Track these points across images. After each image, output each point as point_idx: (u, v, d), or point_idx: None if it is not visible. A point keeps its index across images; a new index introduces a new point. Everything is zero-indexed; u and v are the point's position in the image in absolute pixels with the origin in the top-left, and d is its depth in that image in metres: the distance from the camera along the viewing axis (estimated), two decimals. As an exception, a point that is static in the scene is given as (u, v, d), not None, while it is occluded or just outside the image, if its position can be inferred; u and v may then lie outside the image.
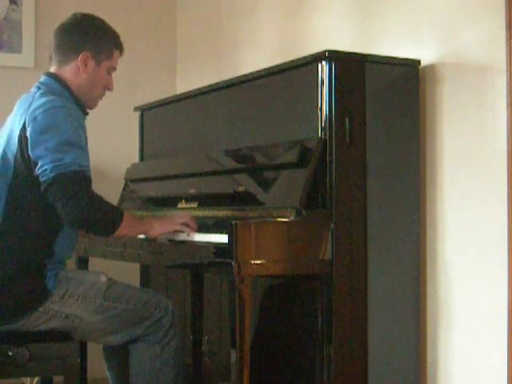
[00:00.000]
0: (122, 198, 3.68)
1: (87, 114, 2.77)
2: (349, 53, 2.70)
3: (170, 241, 2.76)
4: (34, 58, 4.12)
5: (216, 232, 2.61)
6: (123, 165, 3.80)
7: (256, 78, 2.99)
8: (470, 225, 2.67)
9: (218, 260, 2.52)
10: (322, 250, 2.58)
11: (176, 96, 3.66)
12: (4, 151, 2.61)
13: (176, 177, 3.32)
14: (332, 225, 2.59)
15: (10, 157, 2.58)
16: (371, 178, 2.68)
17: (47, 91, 2.64)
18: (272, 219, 2.58)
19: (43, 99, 2.57)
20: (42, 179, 2.49)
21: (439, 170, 2.78)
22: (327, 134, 2.62)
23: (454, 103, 2.73)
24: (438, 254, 2.78)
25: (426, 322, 2.81)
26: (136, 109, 3.87)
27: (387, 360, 2.72)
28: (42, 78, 2.71)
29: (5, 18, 4.10)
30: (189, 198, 3.13)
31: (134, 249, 3.01)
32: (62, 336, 2.61)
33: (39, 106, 2.55)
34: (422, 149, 2.81)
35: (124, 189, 3.71)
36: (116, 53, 2.76)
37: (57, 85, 2.67)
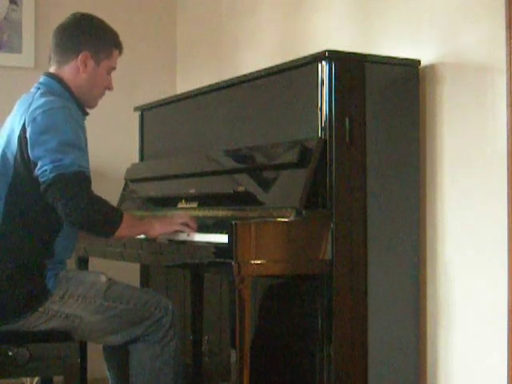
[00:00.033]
0: (122, 198, 3.68)
1: (87, 114, 2.77)
2: (349, 53, 2.70)
3: (169, 241, 2.76)
4: (34, 58, 4.12)
5: (216, 232, 2.61)
6: (123, 165, 3.80)
7: (256, 78, 2.99)
8: (470, 225, 2.67)
9: (218, 260, 2.52)
10: (322, 250, 2.58)
11: (176, 96, 3.66)
12: (4, 151, 2.61)
13: (176, 177, 3.31)
14: (332, 225, 2.59)
15: (10, 157, 2.58)
16: (371, 178, 2.68)
17: (47, 91, 2.63)
18: (272, 219, 2.58)
19: (43, 100, 2.57)
20: (41, 180, 2.49)
21: (439, 170, 2.78)
22: (327, 134, 2.62)
23: (453, 103, 2.73)
24: (438, 254, 2.78)
25: (426, 322, 2.81)
26: (136, 109, 3.87)
27: (387, 360, 2.72)
28: (42, 79, 2.71)
29: (5, 18, 4.10)
30: (189, 198, 3.13)
31: (133, 249, 3.01)
32: (62, 336, 2.61)
33: (39, 107, 2.55)
34: (422, 149, 2.81)
35: (124, 189, 3.71)
36: (115, 52, 2.76)
37: (57, 85, 2.67)
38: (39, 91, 2.64)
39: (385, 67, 2.74)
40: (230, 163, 3.02)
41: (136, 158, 3.89)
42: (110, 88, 2.78)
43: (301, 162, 2.63)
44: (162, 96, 3.76)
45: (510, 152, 2.50)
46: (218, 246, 2.52)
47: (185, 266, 2.97)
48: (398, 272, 2.73)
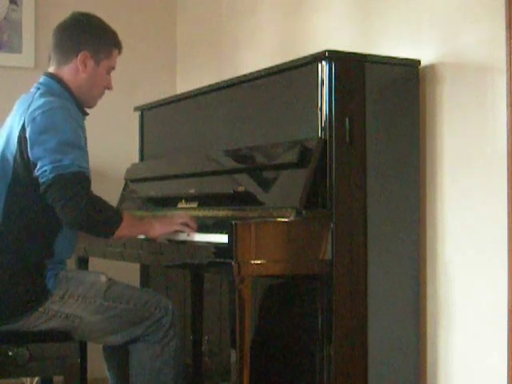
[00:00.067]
0: (122, 198, 3.67)
1: (87, 114, 2.77)
2: (349, 53, 2.70)
3: (169, 241, 2.76)
4: (34, 58, 4.12)
5: (216, 232, 2.60)
6: (123, 165, 3.80)
7: (256, 78, 2.99)
8: (470, 225, 2.67)
9: (218, 260, 2.52)
10: (322, 250, 2.58)
11: (176, 96, 3.66)
12: (3, 152, 2.61)
13: (176, 177, 3.31)
14: (332, 225, 2.59)
15: (10, 157, 2.58)
16: (371, 178, 2.68)
17: (46, 92, 2.63)
18: (272, 219, 2.58)
19: (42, 100, 2.57)
20: (41, 180, 2.49)
21: (439, 170, 2.78)
22: (327, 134, 2.62)
23: (454, 103, 2.73)
24: (438, 254, 2.78)
25: (425, 322, 2.81)
26: (136, 109, 3.87)
27: (387, 360, 2.72)
28: (42, 79, 2.71)
29: (5, 18, 4.10)
30: (189, 198, 3.13)
31: (133, 249, 3.01)
32: (62, 336, 2.61)
33: (38, 107, 2.55)
34: (421, 149, 2.81)
35: (124, 189, 3.71)
36: (115, 52, 2.75)
37: (56, 85, 2.67)
38: (39, 91, 2.64)
39: (385, 67, 2.74)
40: (230, 163, 3.02)
41: (136, 158, 3.89)
42: (109, 88, 2.78)
43: (301, 162, 2.63)
44: (162, 96, 3.76)
45: (510, 152, 2.50)
46: (217, 246, 2.52)
47: (185, 266, 2.97)
48: (397, 272, 2.73)
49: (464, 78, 2.69)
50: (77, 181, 2.48)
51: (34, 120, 2.53)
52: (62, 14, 2.78)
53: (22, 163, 2.55)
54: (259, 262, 2.48)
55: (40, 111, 2.53)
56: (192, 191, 3.13)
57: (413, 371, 2.77)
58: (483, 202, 2.62)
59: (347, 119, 2.63)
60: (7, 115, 2.72)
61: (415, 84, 2.79)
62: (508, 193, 2.51)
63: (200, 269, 2.92)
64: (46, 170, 2.48)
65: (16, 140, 2.56)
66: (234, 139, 3.10)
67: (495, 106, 2.58)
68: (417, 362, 2.78)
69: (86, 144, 2.63)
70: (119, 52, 2.78)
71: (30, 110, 2.55)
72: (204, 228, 2.74)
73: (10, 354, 2.55)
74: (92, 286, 2.62)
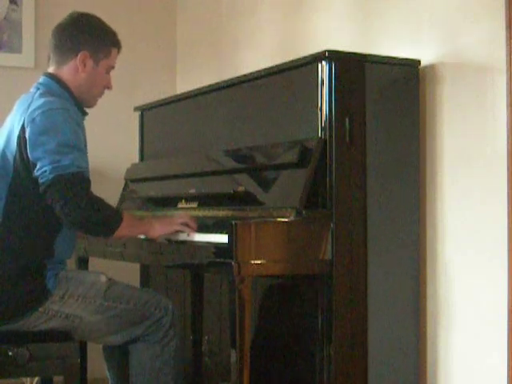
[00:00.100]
0: (122, 198, 3.68)
1: (86, 114, 2.77)
2: (349, 53, 2.70)
3: (169, 241, 2.76)
4: (34, 58, 4.12)
5: (216, 232, 2.60)
6: (123, 165, 3.80)
7: (256, 78, 2.99)
8: (470, 225, 2.67)
9: (217, 260, 2.52)
10: (322, 249, 2.58)
11: (176, 96, 3.66)
12: (3, 152, 2.61)
13: (176, 177, 3.31)
14: (332, 225, 2.59)
15: (10, 157, 2.58)
16: (371, 178, 2.68)
17: (46, 92, 2.63)
18: (272, 219, 2.58)
19: (42, 100, 2.57)
20: (41, 181, 2.49)
21: (439, 170, 2.78)
22: (327, 134, 2.62)
23: (454, 103, 2.73)
24: (438, 254, 2.78)
25: (426, 322, 2.81)
26: (136, 109, 3.87)
27: (387, 360, 2.72)
28: (41, 79, 2.71)
29: (5, 18, 4.10)
30: (189, 198, 3.13)
31: (133, 249, 3.01)
32: (62, 336, 2.61)
33: (38, 107, 2.55)
34: (422, 149, 2.81)
35: (124, 189, 3.71)
36: (114, 51, 2.75)
37: (56, 85, 2.67)
38: (38, 91, 2.64)
39: (385, 67, 2.74)
40: (230, 163, 3.02)
41: (136, 158, 3.89)
42: (109, 87, 2.78)
43: (301, 162, 2.63)
44: (162, 96, 3.76)
45: (510, 152, 2.50)
46: (218, 246, 2.52)
47: (185, 266, 2.97)
48: (397, 272, 2.73)
49: (464, 78, 2.69)
50: (76, 181, 2.48)
51: (33, 120, 2.53)
52: (61, 14, 2.78)
53: (21, 163, 2.55)
54: (259, 261, 2.48)
55: (40, 111, 2.53)
56: (192, 191, 3.13)
57: (413, 371, 2.77)
58: (483, 202, 2.62)
59: (347, 119, 2.63)
60: (7, 115, 2.72)
61: (415, 84, 2.79)
62: (508, 193, 2.51)
63: (200, 269, 2.92)
64: (45, 171, 2.48)
65: (16, 140, 2.56)
66: (234, 139, 3.10)
67: (495, 106, 2.58)
68: (417, 362, 2.78)
69: (85, 144, 2.63)
70: (118, 51, 2.78)
71: (29, 110, 2.55)
72: (204, 228, 2.74)
73: (10, 354, 2.55)
74: (92, 286, 2.62)
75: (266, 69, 2.94)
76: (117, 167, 3.98)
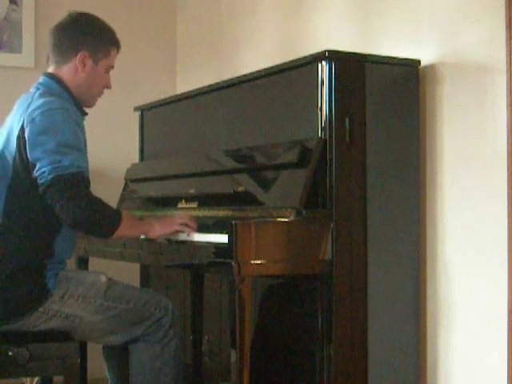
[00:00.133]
0: (122, 198, 3.68)
1: (86, 114, 2.77)
2: (349, 53, 2.70)
3: (169, 241, 2.76)
4: (33, 58, 4.12)
5: (216, 232, 2.60)
6: (123, 165, 3.80)
7: (256, 78, 2.99)
8: (470, 225, 2.67)
9: (217, 260, 2.52)
10: (322, 250, 2.58)
11: (176, 96, 3.66)
12: (3, 152, 2.61)
13: (176, 177, 3.31)
14: (332, 225, 2.59)
15: (9, 157, 2.58)
16: (371, 178, 2.68)
17: (46, 92, 2.63)
18: (272, 219, 2.58)
19: (42, 100, 2.57)
20: (40, 181, 2.49)
21: (439, 170, 2.78)
22: (327, 134, 2.62)
23: (454, 103, 2.73)
24: (438, 254, 2.78)
25: (426, 322, 2.81)
26: (136, 109, 3.87)
27: (387, 360, 2.72)
28: (41, 79, 2.71)
29: (5, 18, 4.10)
30: (189, 198, 3.13)
31: (133, 249, 3.01)
32: (62, 336, 2.61)
33: (37, 107, 2.55)
34: (422, 149, 2.81)
35: (124, 189, 3.71)
36: (113, 51, 2.75)
37: (56, 85, 2.67)
38: (38, 91, 2.64)
39: (385, 67, 2.74)
40: (230, 163, 3.02)
41: (136, 158, 3.89)
42: (108, 87, 2.78)
43: (301, 162, 2.63)
44: (162, 96, 3.76)
45: (510, 152, 2.50)
46: (218, 246, 2.52)
47: (185, 266, 2.97)
48: (398, 272, 2.73)
49: (464, 78, 2.69)
50: (76, 181, 2.48)
51: (33, 120, 2.53)
52: (61, 14, 2.78)
53: (21, 164, 2.55)
54: (259, 262, 2.48)
55: (39, 111, 2.53)
56: (192, 191, 3.13)
57: (413, 371, 2.77)
58: (483, 202, 2.62)
59: (347, 119, 2.63)
60: (7, 115, 2.72)
61: (415, 84, 2.79)
62: (508, 193, 2.51)
63: (200, 269, 2.92)
64: (45, 171, 2.48)
65: (15, 140, 2.56)
66: (234, 139, 3.10)
67: (495, 106, 2.58)
68: (417, 362, 2.78)
69: (85, 145, 2.63)
70: (118, 51, 2.78)
71: (29, 110, 2.55)
72: (204, 228, 2.74)
73: (10, 354, 2.55)
74: (92, 286, 2.62)
75: (266, 69, 2.94)
76: (117, 167, 3.98)
